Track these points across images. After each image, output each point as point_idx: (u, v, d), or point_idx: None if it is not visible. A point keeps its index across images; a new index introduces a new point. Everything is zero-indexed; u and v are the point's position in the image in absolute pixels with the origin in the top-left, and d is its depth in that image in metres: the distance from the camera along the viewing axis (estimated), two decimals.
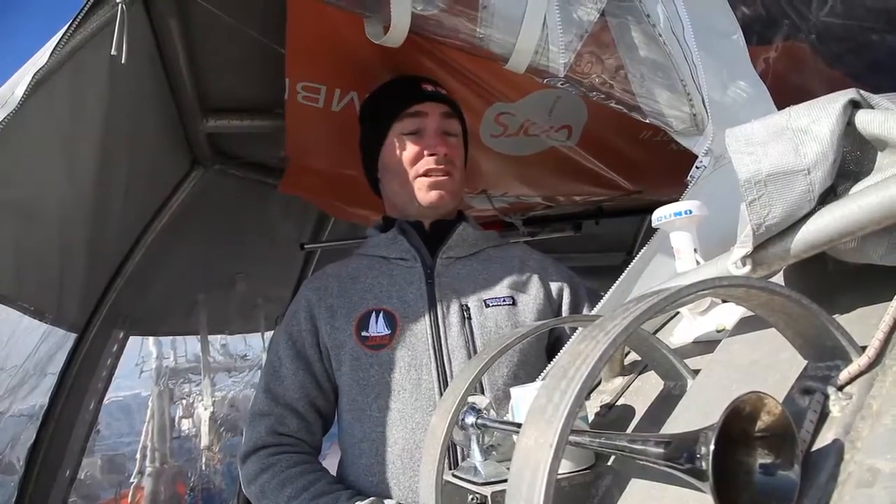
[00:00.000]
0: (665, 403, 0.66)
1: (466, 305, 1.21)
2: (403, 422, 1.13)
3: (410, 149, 1.29)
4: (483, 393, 1.14)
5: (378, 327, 1.19)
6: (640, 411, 0.72)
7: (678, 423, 0.60)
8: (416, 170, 1.28)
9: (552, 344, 1.28)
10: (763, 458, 0.41)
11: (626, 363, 0.86)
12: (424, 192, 1.28)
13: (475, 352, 1.17)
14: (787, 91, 0.99)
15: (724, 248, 0.60)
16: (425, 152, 1.28)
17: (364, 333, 1.19)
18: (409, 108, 1.30)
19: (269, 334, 2.81)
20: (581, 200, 2.19)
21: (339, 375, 1.21)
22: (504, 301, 1.23)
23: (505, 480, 0.61)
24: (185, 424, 6.42)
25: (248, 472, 1.16)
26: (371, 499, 1.08)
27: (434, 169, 1.27)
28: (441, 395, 1.12)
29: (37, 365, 1.95)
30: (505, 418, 0.78)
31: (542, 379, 0.91)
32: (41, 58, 1.04)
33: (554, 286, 1.31)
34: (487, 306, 1.22)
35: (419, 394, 1.14)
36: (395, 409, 1.14)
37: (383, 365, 1.17)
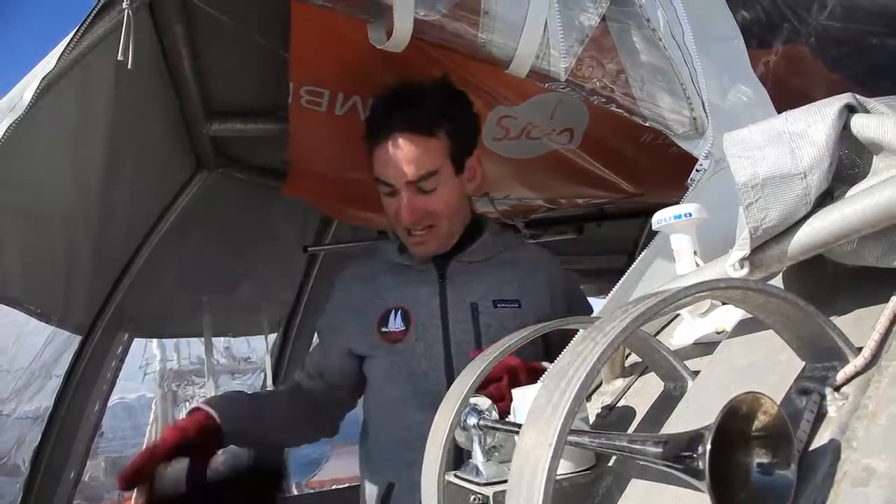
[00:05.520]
0: (665, 404, 0.67)
1: (475, 304, 1.30)
2: (417, 403, 1.25)
3: (387, 204, 1.31)
4: None
5: (396, 323, 1.33)
6: (640, 412, 0.73)
7: (678, 423, 0.61)
8: (399, 223, 1.30)
9: (545, 351, 1.29)
10: (760, 457, 0.42)
11: (626, 365, 0.86)
12: (411, 246, 1.34)
13: (480, 346, 1.24)
14: (787, 95, 1.00)
15: (724, 250, 0.60)
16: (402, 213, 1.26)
17: (384, 329, 1.33)
18: (379, 143, 1.25)
19: (272, 337, 2.81)
20: (583, 203, 2.20)
21: (364, 364, 1.36)
22: (510, 304, 1.31)
23: (507, 481, 0.62)
24: None
25: None
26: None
27: (414, 232, 1.29)
28: (448, 382, 1.20)
29: (42, 367, 1.96)
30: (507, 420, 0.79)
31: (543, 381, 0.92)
32: (49, 63, 1.06)
33: (558, 293, 1.35)
34: (495, 306, 1.30)
35: (429, 380, 1.27)
36: (408, 394, 1.27)
37: (399, 355, 1.30)
